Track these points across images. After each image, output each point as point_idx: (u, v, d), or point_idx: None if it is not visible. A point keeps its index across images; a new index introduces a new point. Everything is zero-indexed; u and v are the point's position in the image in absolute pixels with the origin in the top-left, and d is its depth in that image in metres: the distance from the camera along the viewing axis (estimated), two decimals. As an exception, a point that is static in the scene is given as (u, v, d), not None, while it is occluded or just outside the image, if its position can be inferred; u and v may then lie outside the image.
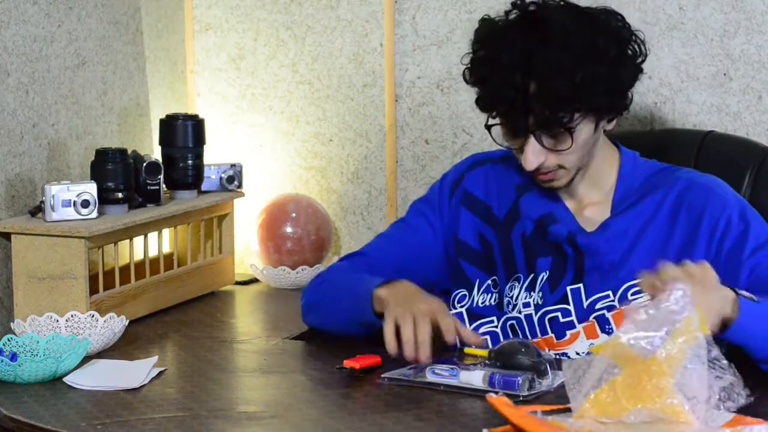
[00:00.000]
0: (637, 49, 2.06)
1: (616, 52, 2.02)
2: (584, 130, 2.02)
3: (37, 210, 2.39)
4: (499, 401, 1.64)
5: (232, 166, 2.75)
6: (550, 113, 1.97)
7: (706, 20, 2.60)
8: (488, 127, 2.05)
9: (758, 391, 1.72)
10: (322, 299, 2.18)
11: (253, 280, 2.85)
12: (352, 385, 1.94)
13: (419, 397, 1.86)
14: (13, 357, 2.01)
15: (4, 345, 2.07)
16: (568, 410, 1.66)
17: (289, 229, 2.81)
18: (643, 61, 2.07)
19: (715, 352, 1.64)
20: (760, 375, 1.96)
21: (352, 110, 2.91)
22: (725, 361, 1.64)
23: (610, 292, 2.06)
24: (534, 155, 2.00)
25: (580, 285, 2.08)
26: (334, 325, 2.16)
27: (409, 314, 1.92)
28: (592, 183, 2.12)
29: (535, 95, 1.96)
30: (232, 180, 2.75)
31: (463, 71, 2.08)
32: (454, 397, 1.85)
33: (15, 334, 2.13)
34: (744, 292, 1.85)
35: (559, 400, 1.73)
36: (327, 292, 2.18)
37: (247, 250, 2.93)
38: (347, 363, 1.98)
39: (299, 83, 2.96)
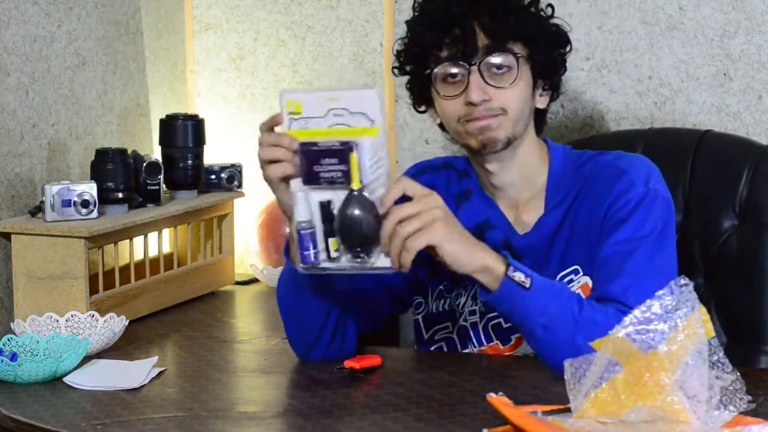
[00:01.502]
0: (561, 33, 2.12)
1: (549, 17, 2.11)
2: (524, 78, 2.04)
3: (37, 210, 2.39)
4: (499, 401, 1.64)
5: (232, 166, 2.75)
6: (498, 35, 2.00)
7: (706, 20, 2.60)
8: (427, 78, 2.06)
9: (760, 395, 1.72)
10: (287, 321, 2.10)
11: (253, 280, 2.85)
12: (352, 385, 1.94)
13: (419, 397, 1.86)
14: (13, 357, 2.01)
15: (4, 345, 2.07)
16: (568, 410, 1.66)
17: (289, 229, 2.81)
18: (565, 49, 2.12)
19: (719, 355, 1.63)
20: (761, 377, 1.96)
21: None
22: (729, 365, 1.64)
23: None
24: (478, 87, 2.00)
25: None
26: (304, 331, 2.07)
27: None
28: (525, 180, 2.10)
29: (485, 14, 2.00)
30: (232, 180, 2.75)
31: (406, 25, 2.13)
32: (454, 397, 1.86)
33: (15, 334, 2.13)
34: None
35: (559, 400, 1.73)
36: (283, 316, 2.10)
37: (247, 250, 2.93)
38: (347, 363, 1.98)
39: (299, 83, 2.96)
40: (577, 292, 2.03)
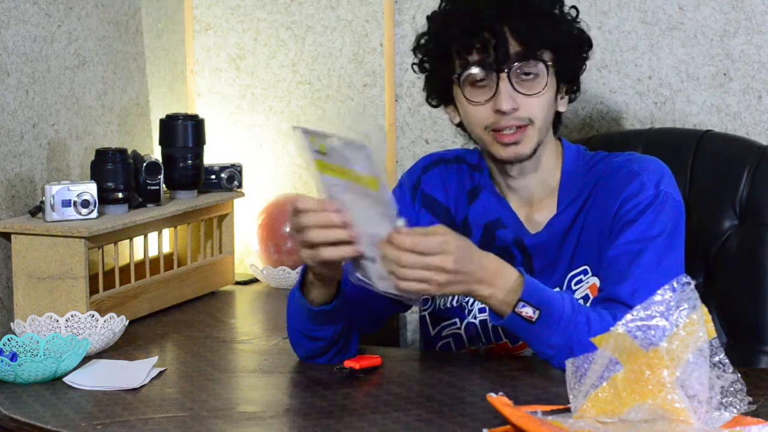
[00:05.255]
0: (585, 37, 2.11)
1: (574, 20, 2.09)
2: (551, 86, 2.02)
3: (37, 210, 2.39)
4: (499, 401, 1.64)
5: (232, 166, 2.75)
6: (530, 42, 1.98)
7: (706, 20, 2.60)
8: (456, 78, 2.03)
9: (760, 396, 1.72)
10: (291, 332, 2.08)
11: (253, 280, 2.85)
12: (352, 385, 1.94)
13: (419, 397, 1.86)
14: (13, 357, 2.01)
15: (4, 345, 2.07)
16: (568, 410, 1.66)
17: (289, 229, 2.81)
18: (588, 49, 2.11)
19: (720, 356, 1.63)
20: (761, 377, 1.96)
21: (352, 110, 2.91)
22: (730, 366, 1.64)
23: (557, 289, 2.06)
24: (508, 95, 1.98)
25: None
26: (311, 346, 2.05)
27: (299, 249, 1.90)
28: (540, 182, 2.09)
29: (517, 19, 1.98)
30: (232, 180, 2.75)
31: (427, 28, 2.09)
32: (454, 397, 1.86)
33: (15, 334, 2.13)
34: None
35: (559, 400, 1.73)
36: (289, 328, 2.08)
37: (247, 250, 2.93)
38: (347, 363, 1.98)
39: (299, 83, 2.96)
40: (585, 293, 2.03)
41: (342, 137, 1.77)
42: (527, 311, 1.88)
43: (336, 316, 1.97)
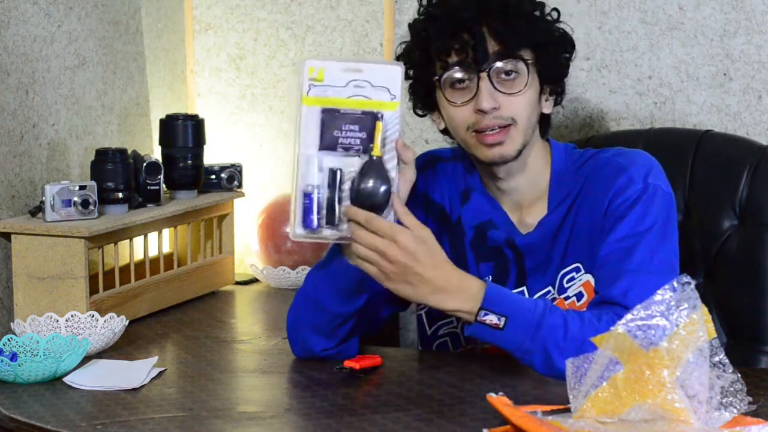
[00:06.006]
0: (568, 38, 2.10)
1: (555, 21, 2.09)
2: (532, 84, 2.02)
3: (37, 210, 2.39)
4: (499, 401, 1.64)
5: (232, 166, 2.75)
6: (509, 41, 1.98)
7: (706, 20, 2.60)
8: (437, 81, 2.03)
9: (760, 396, 1.72)
10: (301, 305, 2.07)
11: (253, 280, 2.85)
12: (352, 385, 1.94)
13: (419, 397, 1.86)
14: (13, 357, 2.01)
15: (4, 345, 2.07)
16: (568, 410, 1.66)
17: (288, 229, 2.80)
18: (570, 54, 2.10)
19: (720, 356, 1.63)
20: (761, 378, 1.96)
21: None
22: (730, 366, 1.64)
23: (550, 287, 2.07)
24: (489, 95, 1.98)
25: (524, 288, 2.08)
26: (319, 321, 2.04)
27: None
28: (530, 183, 2.09)
29: (496, 19, 1.98)
30: (232, 180, 2.75)
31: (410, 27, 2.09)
32: (454, 397, 1.86)
33: (15, 334, 2.13)
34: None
35: (559, 400, 1.73)
36: (300, 298, 2.08)
37: (247, 250, 2.93)
38: (347, 363, 1.98)
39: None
40: (579, 290, 2.03)
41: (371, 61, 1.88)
42: (491, 319, 1.89)
43: (355, 284, 1.97)
